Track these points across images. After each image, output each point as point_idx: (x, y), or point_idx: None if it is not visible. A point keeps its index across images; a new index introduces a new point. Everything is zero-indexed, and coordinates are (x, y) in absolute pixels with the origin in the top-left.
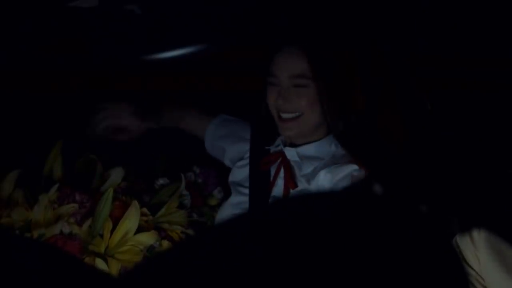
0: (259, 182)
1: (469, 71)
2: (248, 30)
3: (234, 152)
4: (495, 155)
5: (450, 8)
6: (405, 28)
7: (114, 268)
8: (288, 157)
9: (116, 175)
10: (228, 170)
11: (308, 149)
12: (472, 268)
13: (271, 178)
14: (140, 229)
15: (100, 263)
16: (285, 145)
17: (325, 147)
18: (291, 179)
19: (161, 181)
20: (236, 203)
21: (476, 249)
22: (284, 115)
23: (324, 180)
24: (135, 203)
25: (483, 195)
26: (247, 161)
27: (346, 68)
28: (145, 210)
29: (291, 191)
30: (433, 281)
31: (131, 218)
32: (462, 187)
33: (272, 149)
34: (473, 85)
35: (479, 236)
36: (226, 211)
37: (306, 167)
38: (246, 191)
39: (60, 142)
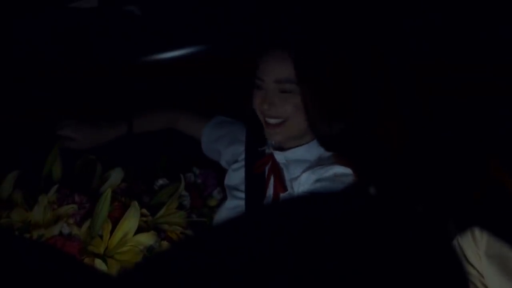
0: (255, 184)
1: (469, 74)
2: (243, 33)
3: (229, 155)
4: (495, 156)
5: (450, 11)
6: (405, 31)
7: (113, 269)
8: (277, 160)
9: (116, 176)
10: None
11: (295, 153)
12: (474, 268)
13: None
14: (139, 230)
15: (99, 264)
16: (274, 148)
17: (312, 149)
18: (279, 182)
19: (160, 182)
20: (232, 207)
21: (478, 249)
22: (270, 120)
23: (306, 181)
24: (135, 204)
25: (482, 197)
26: (242, 163)
27: (333, 74)
28: (144, 210)
29: (281, 194)
30: (433, 282)
31: (131, 219)
32: (461, 188)
33: (266, 150)
34: (473, 88)
35: (481, 236)
36: (223, 215)
37: (294, 170)
38: (242, 195)
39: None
